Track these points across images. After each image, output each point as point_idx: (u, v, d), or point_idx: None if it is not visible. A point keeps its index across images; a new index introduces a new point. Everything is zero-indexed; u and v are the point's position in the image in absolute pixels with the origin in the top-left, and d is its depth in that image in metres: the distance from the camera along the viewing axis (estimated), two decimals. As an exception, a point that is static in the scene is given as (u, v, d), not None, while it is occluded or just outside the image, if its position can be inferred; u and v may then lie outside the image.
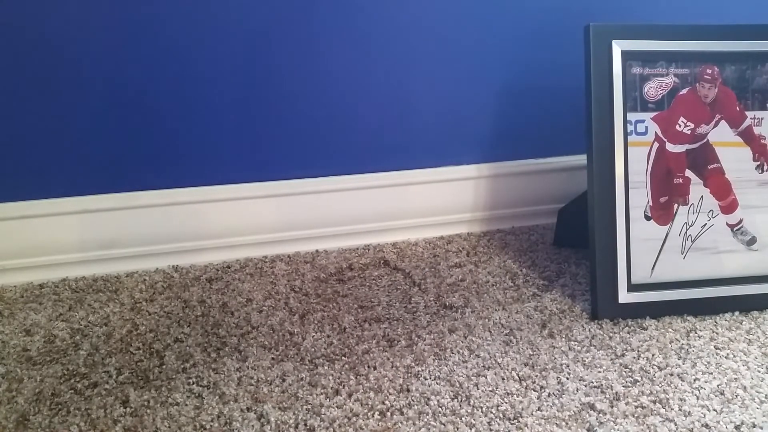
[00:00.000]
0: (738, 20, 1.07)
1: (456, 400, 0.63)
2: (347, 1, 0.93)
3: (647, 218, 0.79)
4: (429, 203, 1.04)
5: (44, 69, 0.85)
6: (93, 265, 0.93)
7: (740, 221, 0.80)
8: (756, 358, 0.69)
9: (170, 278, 0.91)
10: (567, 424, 0.59)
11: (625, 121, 0.78)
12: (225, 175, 0.96)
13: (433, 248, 1.01)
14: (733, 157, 0.80)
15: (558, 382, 0.65)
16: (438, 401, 0.62)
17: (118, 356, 0.72)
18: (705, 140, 0.80)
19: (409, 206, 1.04)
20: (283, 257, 0.98)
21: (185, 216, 0.95)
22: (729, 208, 0.80)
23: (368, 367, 0.68)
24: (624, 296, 0.77)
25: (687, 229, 0.79)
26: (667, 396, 0.63)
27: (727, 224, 0.80)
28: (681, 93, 0.79)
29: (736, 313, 0.78)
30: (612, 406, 0.61)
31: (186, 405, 0.63)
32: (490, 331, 0.75)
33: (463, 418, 0.60)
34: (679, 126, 0.79)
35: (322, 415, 0.61)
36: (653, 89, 0.79)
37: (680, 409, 0.61)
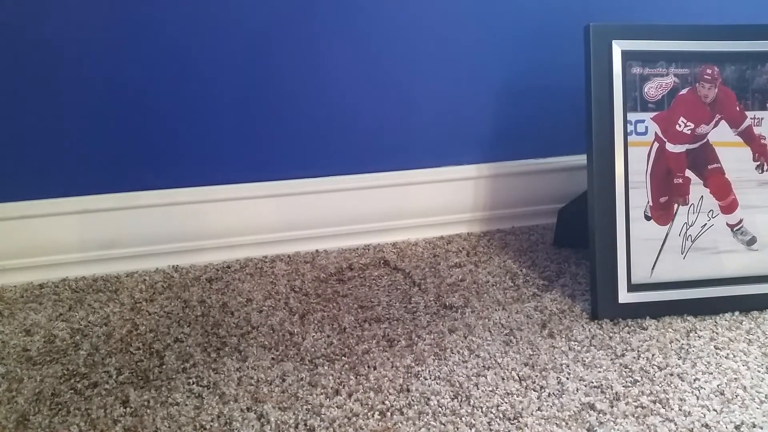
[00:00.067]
0: (738, 20, 1.07)
1: (456, 400, 0.63)
2: (347, 1, 0.93)
3: (647, 218, 0.79)
4: (429, 203, 1.04)
5: (44, 69, 0.85)
6: (93, 265, 0.93)
7: (740, 221, 0.80)
8: (756, 358, 0.69)
9: (170, 278, 0.91)
10: (567, 424, 0.59)
11: (625, 121, 0.78)
12: (225, 175, 0.96)
13: (433, 248, 1.01)
14: (733, 157, 0.80)
15: (558, 382, 0.65)
16: (438, 401, 0.62)
17: (118, 356, 0.72)
18: (705, 140, 0.80)
19: (409, 206, 1.04)
20: (283, 257, 0.98)
21: (185, 216, 0.95)
22: (729, 208, 0.80)
23: (368, 367, 0.68)
24: (624, 296, 0.77)
25: (687, 229, 0.79)
26: (667, 396, 0.63)
27: (727, 224, 0.80)
28: (681, 93, 0.79)
29: (736, 313, 0.78)
30: (612, 406, 0.61)
31: (186, 405, 0.63)
32: (490, 331, 0.75)
33: (463, 418, 0.60)
34: (679, 126, 0.79)
35: (322, 415, 0.61)
36: (653, 89, 0.79)
37: (680, 409, 0.61)
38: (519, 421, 0.59)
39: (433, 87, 1.01)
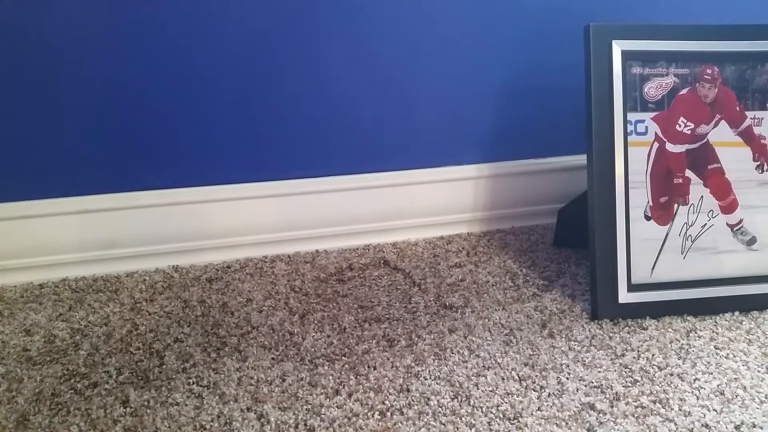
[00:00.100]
0: (738, 20, 1.07)
1: (456, 400, 0.63)
2: (347, 1, 0.93)
3: (647, 218, 0.79)
4: (429, 203, 1.04)
5: (44, 69, 0.85)
6: (93, 265, 0.93)
7: (740, 221, 0.80)
8: (756, 358, 0.69)
9: (170, 278, 0.91)
10: (567, 424, 0.59)
11: (625, 121, 0.78)
12: (225, 175, 0.96)
13: (433, 248, 1.01)
14: (733, 157, 0.80)
15: (558, 382, 0.65)
16: (438, 401, 0.62)
17: (118, 356, 0.72)
18: (705, 140, 0.80)
19: (409, 206, 1.04)
20: (283, 257, 0.98)
21: (185, 216, 0.95)
22: (729, 208, 0.80)
23: (368, 367, 0.68)
24: (624, 296, 0.77)
25: (687, 229, 0.79)
26: (667, 396, 0.63)
27: (727, 224, 0.80)
28: (681, 93, 0.79)
29: (736, 313, 0.78)
30: (612, 406, 0.61)
31: (186, 405, 0.63)
32: (490, 331, 0.75)
33: (463, 418, 0.60)
34: (679, 126, 0.79)
35: (322, 415, 0.61)
36: (653, 89, 0.79)
37: (680, 409, 0.61)
38: (519, 421, 0.59)
39: (433, 87, 1.01)
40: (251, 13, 0.90)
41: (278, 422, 0.60)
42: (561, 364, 0.68)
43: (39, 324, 0.79)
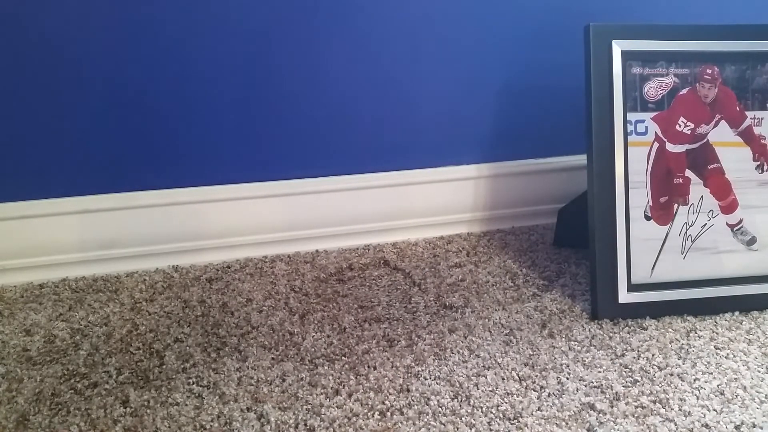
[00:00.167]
0: (738, 20, 1.07)
1: (456, 400, 0.63)
2: (347, 1, 0.93)
3: (647, 218, 0.79)
4: (429, 203, 1.04)
5: (44, 69, 0.85)
6: (93, 265, 0.93)
7: (740, 221, 0.80)
8: (756, 358, 0.69)
9: (170, 278, 0.91)
10: (567, 424, 0.59)
11: (625, 121, 0.78)
12: (225, 175, 0.96)
13: (433, 248, 1.01)
14: (733, 157, 0.80)
15: (558, 382, 0.65)
16: (438, 401, 0.62)
17: (118, 356, 0.72)
18: (705, 140, 0.80)
19: (409, 206, 1.04)
20: (283, 257, 0.98)
21: (185, 216, 0.95)
22: (729, 208, 0.80)
23: (368, 367, 0.68)
24: (624, 296, 0.77)
25: (687, 229, 0.79)
26: (667, 396, 0.63)
27: (727, 224, 0.80)
28: (681, 93, 0.79)
29: (736, 313, 0.78)
30: (612, 406, 0.61)
31: (186, 405, 0.63)
32: (490, 331, 0.75)
33: (463, 418, 0.60)
34: (679, 126, 0.79)
35: (322, 415, 0.61)
36: (653, 89, 0.79)
37: (680, 409, 0.61)
38: (519, 421, 0.59)
39: (433, 87, 1.01)
40: (251, 13, 0.90)
41: (278, 422, 0.60)
42: (561, 364, 0.68)
43: (39, 324, 0.79)
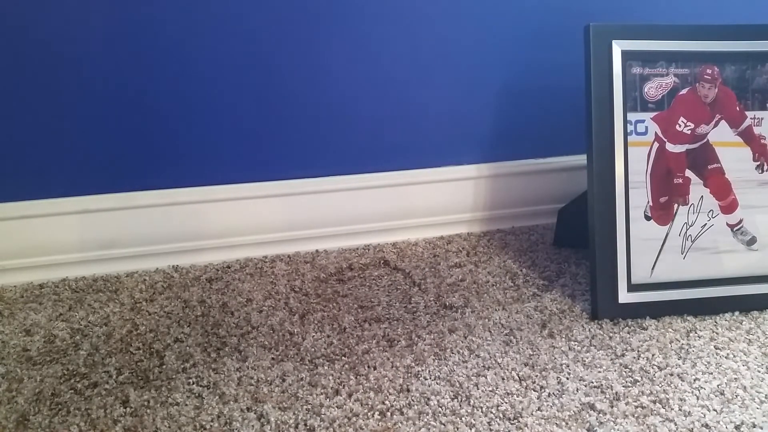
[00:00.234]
0: (738, 20, 1.07)
1: (456, 400, 0.63)
2: (347, 1, 0.93)
3: (647, 218, 0.79)
4: (429, 203, 1.04)
5: (44, 69, 0.85)
6: (93, 265, 0.93)
7: (740, 221, 0.80)
8: (756, 358, 0.69)
9: (170, 278, 0.91)
10: (567, 424, 0.59)
11: (625, 121, 0.78)
12: (225, 175, 0.96)
13: (433, 248, 1.01)
14: (733, 157, 0.80)
15: (558, 382, 0.65)
16: (438, 401, 0.62)
17: (118, 356, 0.72)
18: (705, 140, 0.80)
19: (409, 206, 1.04)
20: (283, 257, 0.98)
21: (185, 216, 0.95)
22: (729, 208, 0.80)
23: (368, 367, 0.68)
24: (624, 296, 0.77)
25: (687, 229, 0.79)
26: (667, 396, 0.63)
27: (727, 224, 0.80)
28: (681, 93, 0.79)
29: (736, 313, 0.78)
30: (612, 406, 0.61)
31: (186, 405, 0.63)
32: (490, 331, 0.75)
33: (463, 418, 0.60)
34: (679, 126, 0.79)
35: (322, 415, 0.61)
36: (653, 89, 0.79)
37: (680, 409, 0.61)
38: (519, 421, 0.59)
39: (433, 87, 1.01)
40: (251, 13, 0.90)
41: (278, 422, 0.60)
42: (561, 364, 0.68)
43: (39, 324, 0.79)
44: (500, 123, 1.05)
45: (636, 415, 0.60)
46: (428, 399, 0.63)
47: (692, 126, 0.79)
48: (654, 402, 0.62)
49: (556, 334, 0.74)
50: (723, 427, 0.59)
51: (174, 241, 0.95)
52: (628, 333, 0.75)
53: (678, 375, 0.66)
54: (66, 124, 0.88)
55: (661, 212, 0.79)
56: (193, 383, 0.66)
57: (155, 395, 0.64)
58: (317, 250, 1.00)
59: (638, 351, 0.71)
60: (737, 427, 0.59)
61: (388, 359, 0.69)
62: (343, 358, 0.70)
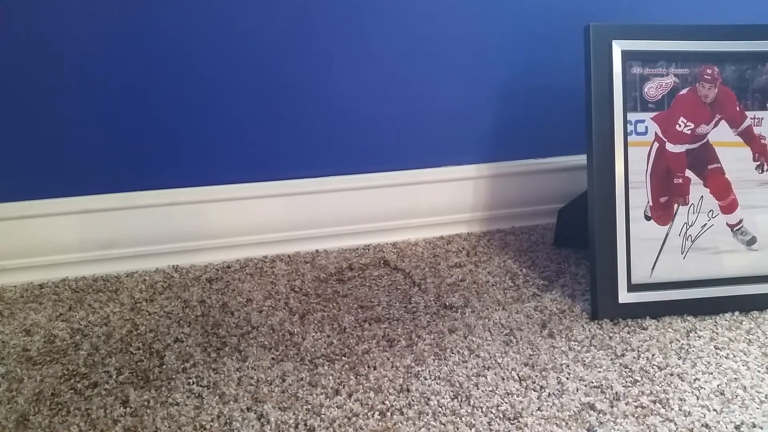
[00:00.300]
0: (738, 20, 1.07)
1: (456, 400, 0.63)
2: (347, 1, 0.93)
3: (647, 218, 0.79)
4: (429, 203, 1.04)
5: (44, 69, 0.85)
6: (93, 265, 0.93)
7: (740, 221, 0.80)
8: (756, 358, 0.69)
9: (170, 278, 0.91)
10: (567, 424, 0.59)
11: (625, 121, 0.78)
12: (225, 175, 0.96)
13: (433, 248, 1.01)
14: (733, 157, 0.80)
15: (558, 382, 0.65)
16: (438, 401, 0.62)
17: (118, 356, 0.72)
18: (705, 140, 0.80)
19: (409, 206, 1.04)
20: (283, 257, 0.98)
21: (185, 216, 0.95)
22: (729, 208, 0.80)
23: (368, 367, 0.68)
24: (624, 296, 0.77)
25: (687, 229, 0.79)
26: (667, 396, 0.63)
27: (727, 224, 0.80)
28: (681, 93, 0.79)
29: (736, 313, 0.78)
30: (612, 406, 0.61)
31: (186, 405, 0.63)
32: (490, 331, 0.75)
33: (463, 418, 0.60)
34: (679, 126, 0.79)
35: (322, 415, 0.61)
36: (653, 89, 0.79)
37: (680, 409, 0.61)
38: (519, 421, 0.59)
39: (433, 87, 1.01)
40: (251, 14, 0.90)
41: (278, 422, 0.60)
42: (561, 364, 0.68)
43: (39, 324, 0.79)
44: (500, 123, 1.05)
45: (636, 415, 0.60)
46: (428, 399, 0.63)
47: (692, 126, 0.79)
48: (654, 402, 0.62)
49: (556, 334, 0.74)
50: (723, 427, 0.59)
51: (174, 241, 0.95)
52: (628, 333, 0.75)
53: (678, 375, 0.66)
54: (66, 124, 0.88)
55: (661, 212, 0.79)
56: (193, 383, 0.66)
57: (155, 395, 0.64)
58: (317, 250, 1.00)
59: (638, 351, 0.71)
60: (737, 427, 0.59)
61: (388, 359, 0.69)
62: (343, 358, 0.70)
